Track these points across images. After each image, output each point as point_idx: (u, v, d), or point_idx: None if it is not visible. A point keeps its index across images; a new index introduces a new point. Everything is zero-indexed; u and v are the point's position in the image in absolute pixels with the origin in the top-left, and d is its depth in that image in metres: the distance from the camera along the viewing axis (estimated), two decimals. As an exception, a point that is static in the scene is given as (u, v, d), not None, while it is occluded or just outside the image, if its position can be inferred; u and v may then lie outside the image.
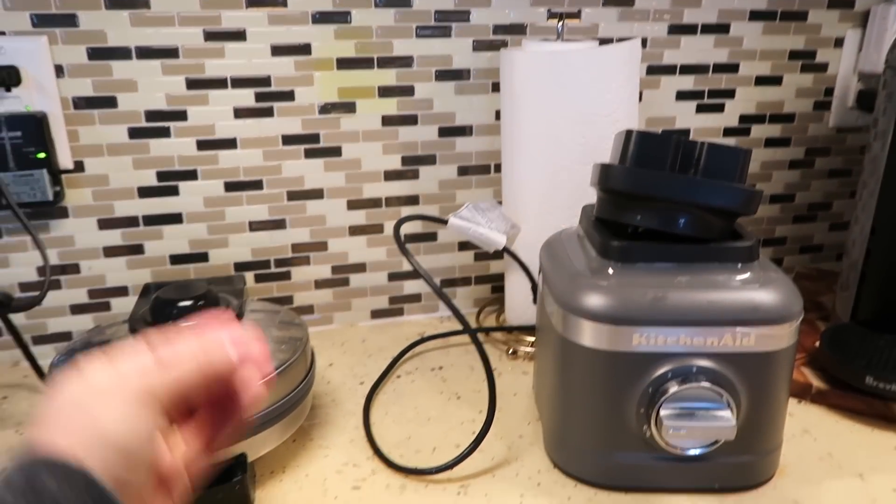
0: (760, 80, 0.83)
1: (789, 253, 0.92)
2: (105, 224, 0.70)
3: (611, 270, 0.51)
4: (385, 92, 0.73)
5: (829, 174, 0.90)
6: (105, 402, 0.29)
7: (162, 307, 0.56)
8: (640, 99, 0.78)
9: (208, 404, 0.35)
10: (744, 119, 0.85)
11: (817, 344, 0.66)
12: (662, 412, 0.48)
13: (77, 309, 0.73)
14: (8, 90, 0.63)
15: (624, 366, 0.49)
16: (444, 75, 0.74)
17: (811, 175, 0.89)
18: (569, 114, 0.67)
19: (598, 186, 0.54)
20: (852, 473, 0.54)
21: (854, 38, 0.84)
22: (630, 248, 0.51)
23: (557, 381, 0.53)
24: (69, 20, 0.64)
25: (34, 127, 0.64)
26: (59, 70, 0.65)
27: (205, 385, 0.32)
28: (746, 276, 0.50)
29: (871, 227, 0.67)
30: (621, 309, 0.49)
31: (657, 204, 0.51)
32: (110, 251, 0.71)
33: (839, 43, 0.84)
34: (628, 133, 0.53)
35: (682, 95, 0.82)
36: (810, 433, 0.59)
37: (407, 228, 0.78)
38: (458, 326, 0.56)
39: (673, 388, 0.48)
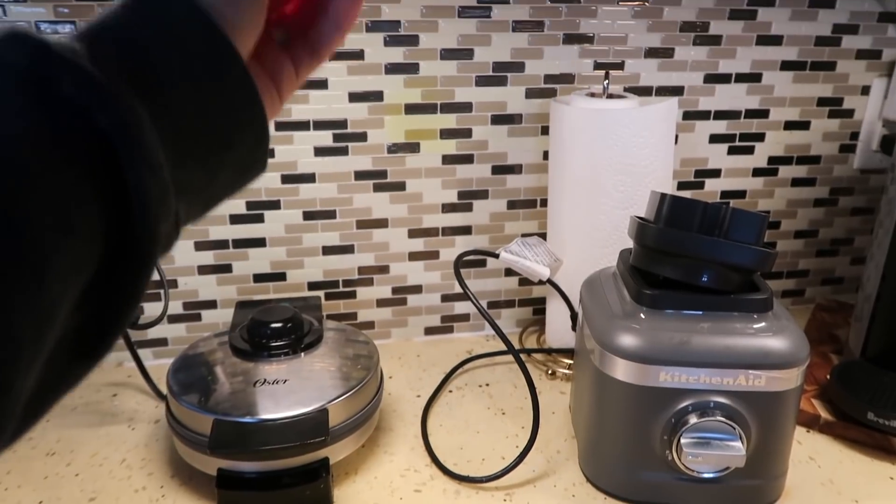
0: (789, 125, 0.90)
1: (811, 284, 0.99)
2: (200, 246, 0.80)
3: (642, 315, 0.59)
4: (446, 134, 0.82)
5: (851, 212, 0.96)
6: None
7: (256, 327, 0.66)
8: (676, 142, 0.86)
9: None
10: (772, 160, 0.91)
11: (828, 377, 0.73)
12: (683, 440, 0.56)
13: (173, 318, 0.83)
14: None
15: (651, 398, 0.57)
16: (498, 119, 0.83)
17: (834, 212, 0.95)
18: (611, 164, 0.74)
19: (634, 240, 0.62)
20: (849, 499, 0.61)
21: (880, 86, 0.89)
22: (660, 296, 0.59)
23: (592, 408, 0.62)
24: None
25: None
26: (166, 114, 0.75)
27: None
28: (762, 324, 0.58)
29: (883, 270, 0.74)
30: (651, 350, 0.57)
31: (685, 260, 0.59)
32: (203, 269, 0.81)
33: (866, 91, 0.90)
34: (663, 195, 0.61)
35: (715, 138, 0.89)
36: (815, 460, 0.66)
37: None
38: (502, 345, 0.65)
39: (692, 419, 0.56)
